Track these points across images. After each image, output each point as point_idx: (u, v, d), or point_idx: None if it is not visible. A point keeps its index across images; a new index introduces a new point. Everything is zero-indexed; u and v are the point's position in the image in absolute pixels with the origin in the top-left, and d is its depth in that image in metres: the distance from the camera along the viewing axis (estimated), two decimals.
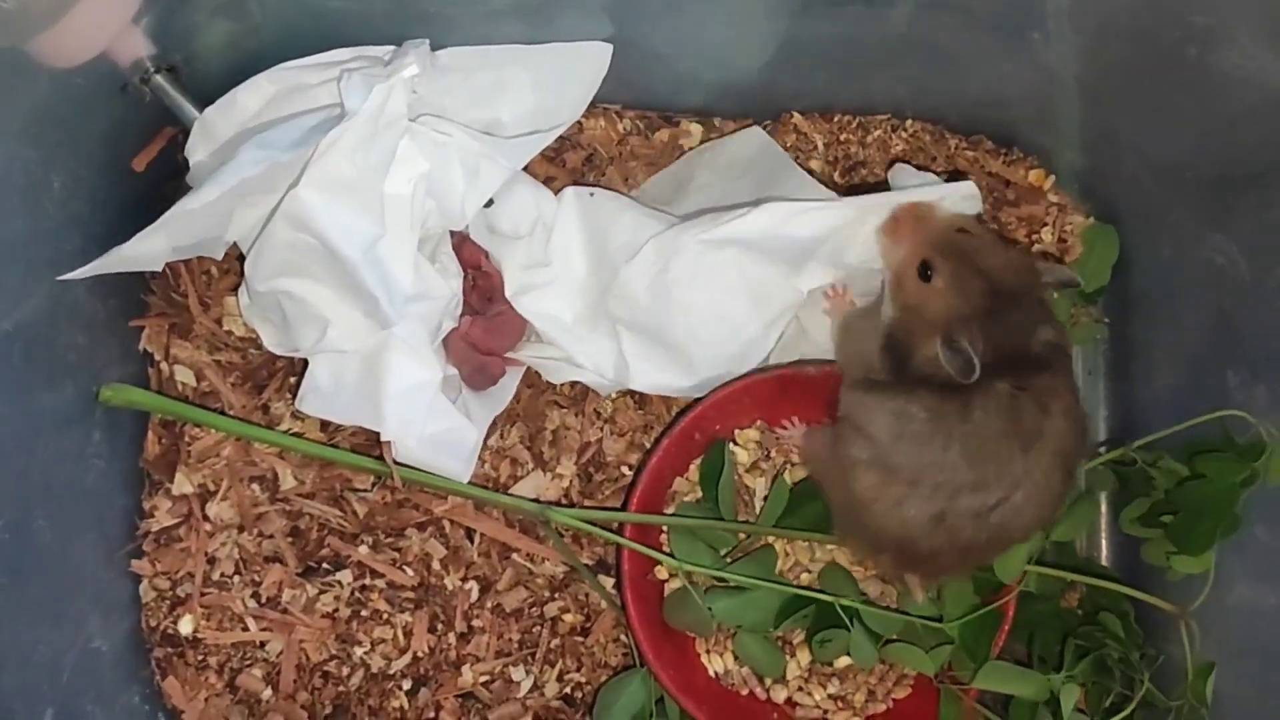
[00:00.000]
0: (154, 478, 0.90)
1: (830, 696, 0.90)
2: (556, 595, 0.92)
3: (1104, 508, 0.99)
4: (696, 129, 0.97)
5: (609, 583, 0.91)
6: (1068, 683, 0.81)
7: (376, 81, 0.76)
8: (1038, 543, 0.83)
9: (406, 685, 0.90)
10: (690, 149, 0.96)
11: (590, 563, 0.92)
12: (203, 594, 0.89)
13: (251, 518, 0.90)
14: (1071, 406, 0.79)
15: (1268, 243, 0.82)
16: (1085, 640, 0.86)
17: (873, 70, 0.92)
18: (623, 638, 0.92)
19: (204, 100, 0.81)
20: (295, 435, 0.90)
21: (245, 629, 0.90)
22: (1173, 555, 0.82)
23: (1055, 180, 0.99)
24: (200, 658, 0.89)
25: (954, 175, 0.97)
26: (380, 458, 0.85)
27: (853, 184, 0.97)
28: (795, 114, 0.97)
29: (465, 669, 0.90)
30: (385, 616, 0.90)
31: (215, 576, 0.90)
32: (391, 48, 0.82)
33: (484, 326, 0.88)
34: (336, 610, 0.90)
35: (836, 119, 0.97)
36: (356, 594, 0.90)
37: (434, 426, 0.84)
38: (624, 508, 0.88)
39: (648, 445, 0.93)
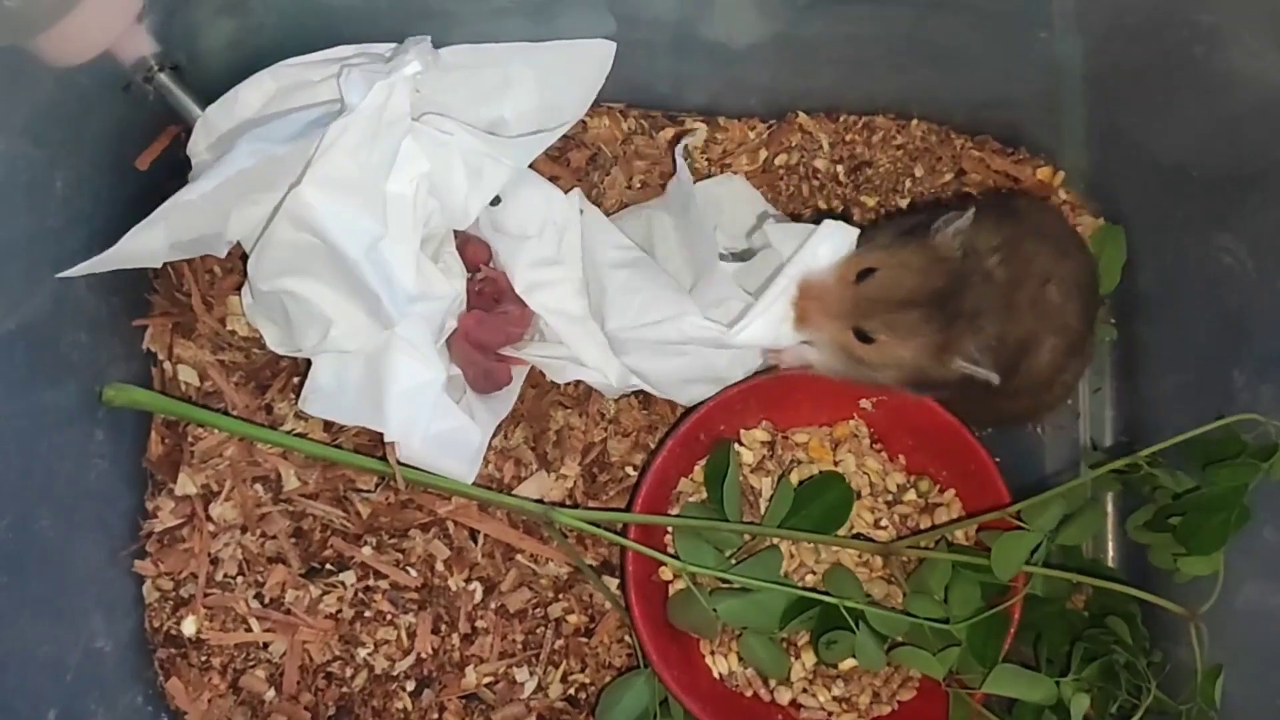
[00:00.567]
0: (157, 478, 0.90)
1: (835, 698, 0.90)
2: (560, 596, 0.92)
3: (1110, 510, 0.99)
4: (701, 128, 0.97)
5: (613, 583, 0.91)
6: (1076, 690, 0.81)
7: (377, 78, 0.76)
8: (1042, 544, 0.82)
9: (410, 686, 0.90)
10: (695, 147, 0.96)
11: (594, 564, 0.92)
12: (206, 595, 0.89)
13: (255, 518, 0.90)
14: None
15: (1275, 242, 0.82)
16: (1092, 643, 0.86)
17: (878, 70, 0.92)
18: (627, 639, 0.92)
19: (207, 98, 0.81)
20: (299, 436, 0.89)
21: (248, 630, 0.89)
22: (1180, 557, 0.82)
23: (1064, 178, 0.99)
24: (203, 658, 0.89)
25: (959, 174, 0.97)
26: (384, 458, 0.85)
27: (857, 183, 0.96)
28: (800, 114, 0.97)
29: (469, 670, 0.90)
30: (389, 617, 0.90)
31: (218, 577, 0.89)
32: (394, 45, 0.82)
33: (479, 319, 0.88)
34: (340, 611, 0.90)
35: (842, 119, 0.97)
36: (360, 595, 0.90)
37: (438, 427, 0.84)
38: (628, 508, 0.88)
39: (652, 446, 0.93)
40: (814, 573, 0.90)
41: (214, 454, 0.90)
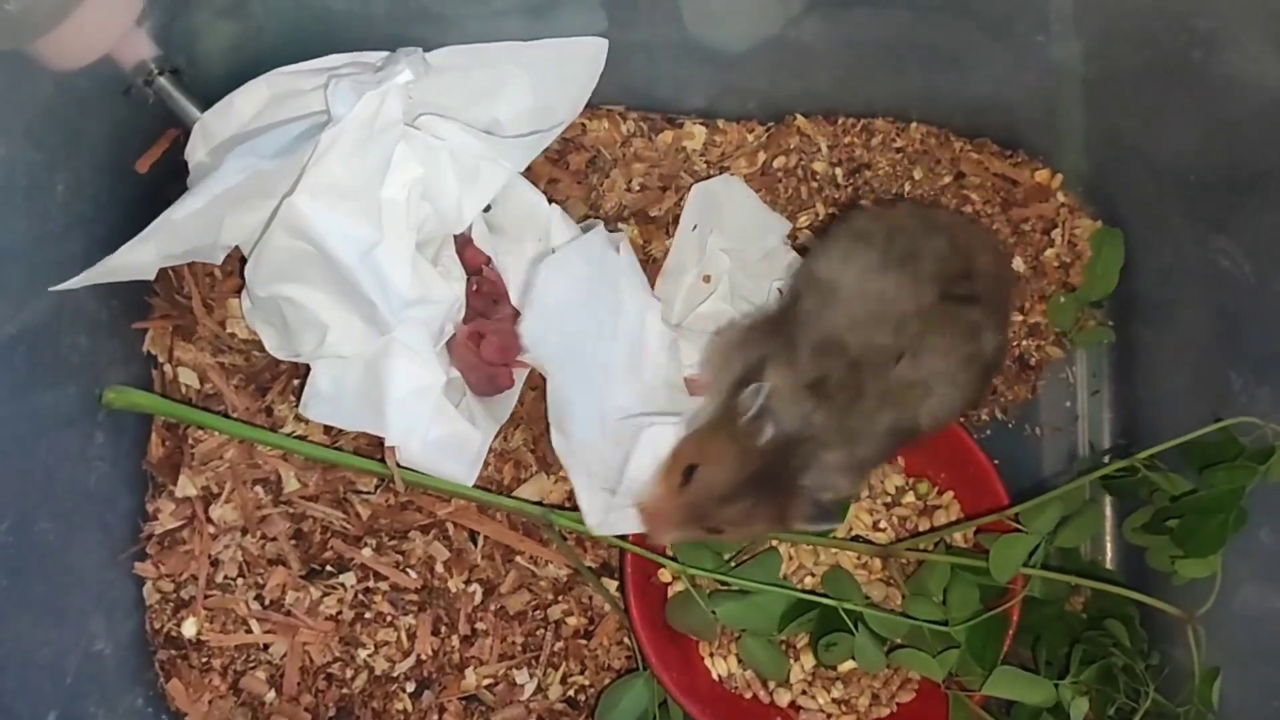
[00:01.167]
0: (157, 480, 0.90)
1: (834, 700, 0.90)
2: (560, 598, 0.92)
3: (1108, 512, 0.99)
4: (700, 131, 0.97)
5: (612, 585, 0.91)
6: (1076, 697, 0.81)
7: (366, 88, 0.76)
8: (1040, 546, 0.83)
9: (410, 688, 0.90)
10: (694, 150, 0.97)
11: (594, 565, 0.92)
12: (206, 596, 0.89)
13: (255, 520, 0.90)
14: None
15: (1271, 245, 0.82)
16: (1091, 646, 0.86)
17: (877, 73, 0.92)
18: (626, 640, 0.92)
19: (207, 102, 0.81)
20: (298, 438, 0.89)
21: (249, 631, 0.90)
22: (1177, 560, 0.82)
23: (1062, 181, 0.99)
24: (204, 660, 0.89)
25: (958, 177, 0.97)
26: (383, 460, 0.85)
27: (856, 186, 0.97)
28: (799, 116, 0.97)
29: (469, 671, 0.90)
30: (389, 619, 0.90)
31: (219, 579, 0.90)
32: (386, 53, 0.82)
33: (497, 345, 0.88)
34: (340, 613, 0.90)
35: (840, 121, 0.97)
36: (360, 596, 0.90)
37: (438, 431, 0.84)
38: None
39: None
40: (813, 575, 0.90)
41: (214, 456, 0.90)
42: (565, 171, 0.95)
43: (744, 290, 0.93)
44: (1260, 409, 0.82)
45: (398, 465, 0.84)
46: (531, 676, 0.91)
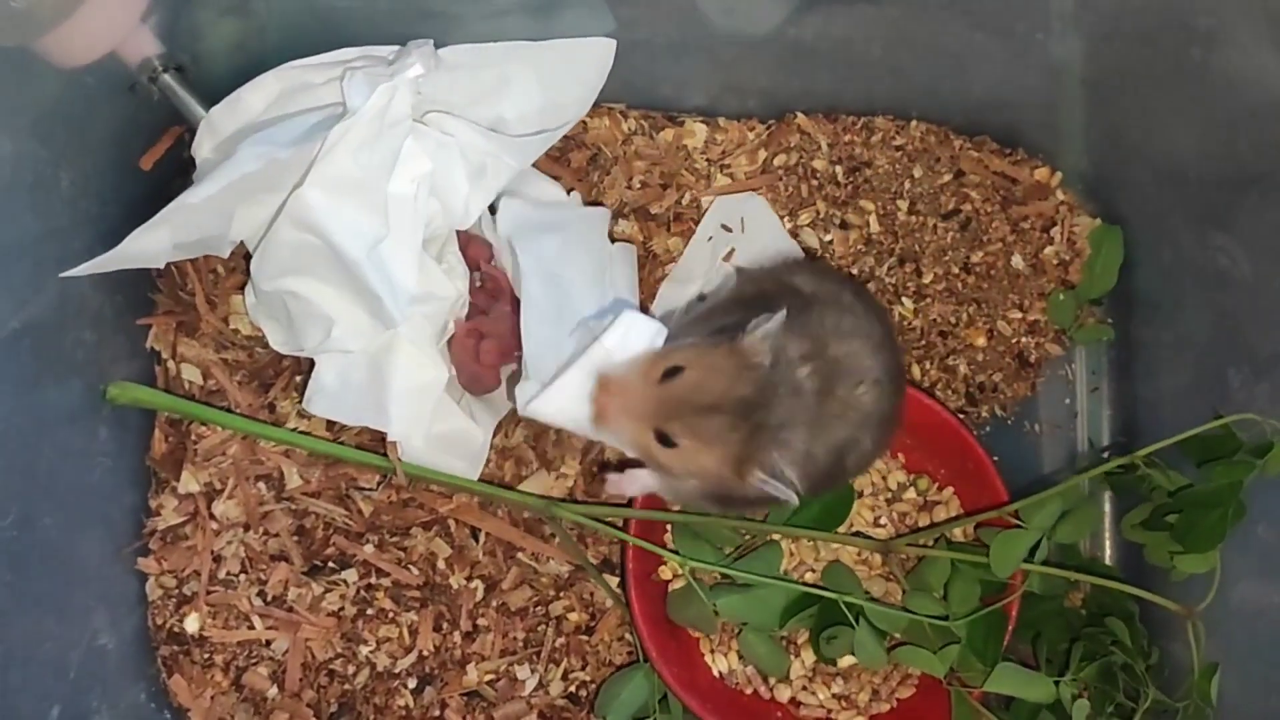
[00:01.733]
0: (160, 476, 0.90)
1: (834, 696, 0.90)
2: (561, 594, 0.92)
3: (1107, 508, 0.99)
4: (701, 129, 0.97)
5: (614, 581, 0.91)
6: (1077, 699, 0.82)
7: (380, 81, 0.77)
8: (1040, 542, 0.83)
9: (412, 684, 0.90)
10: (695, 148, 0.97)
11: (595, 561, 0.92)
12: (209, 592, 0.89)
13: (257, 516, 0.90)
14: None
15: (1270, 243, 0.82)
16: (1091, 642, 0.86)
17: (877, 71, 0.92)
18: (627, 636, 0.92)
19: (211, 99, 0.82)
20: (302, 434, 0.90)
21: (251, 627, 0.90)
22: (1176, 555, 0.82)
23: (1062, 179, 0.99)
24: (206, 656, 0.90)
25: (957, 175, 0.98)
26: (386, 455, 0.85)
27: (856, 184, 0.97)
28: (799, 114, 0.97)
29: (470, 668, 0.91)
30: (390, 615, 0.90)
31: (221, 575, 0.90)
32: (396, 47, 0.82)
33: (495, 349, 0.88)
34: (342, 609, 0.90)
35: (840, 119, 0.98)
36: (362, 593, 0.90)
37: (440, 427, 0.85)
38: (629, 505, 0.88)
39: None
40: (813, 570, 0.90)
41: (217, 452, 0.91)
42: (566, 169, 0.96)
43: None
44: (1259, 406, 0.83)
45: (399, 459, 0.85)
46: (533, 672, 0.91)
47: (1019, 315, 0.98)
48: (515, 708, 0.91)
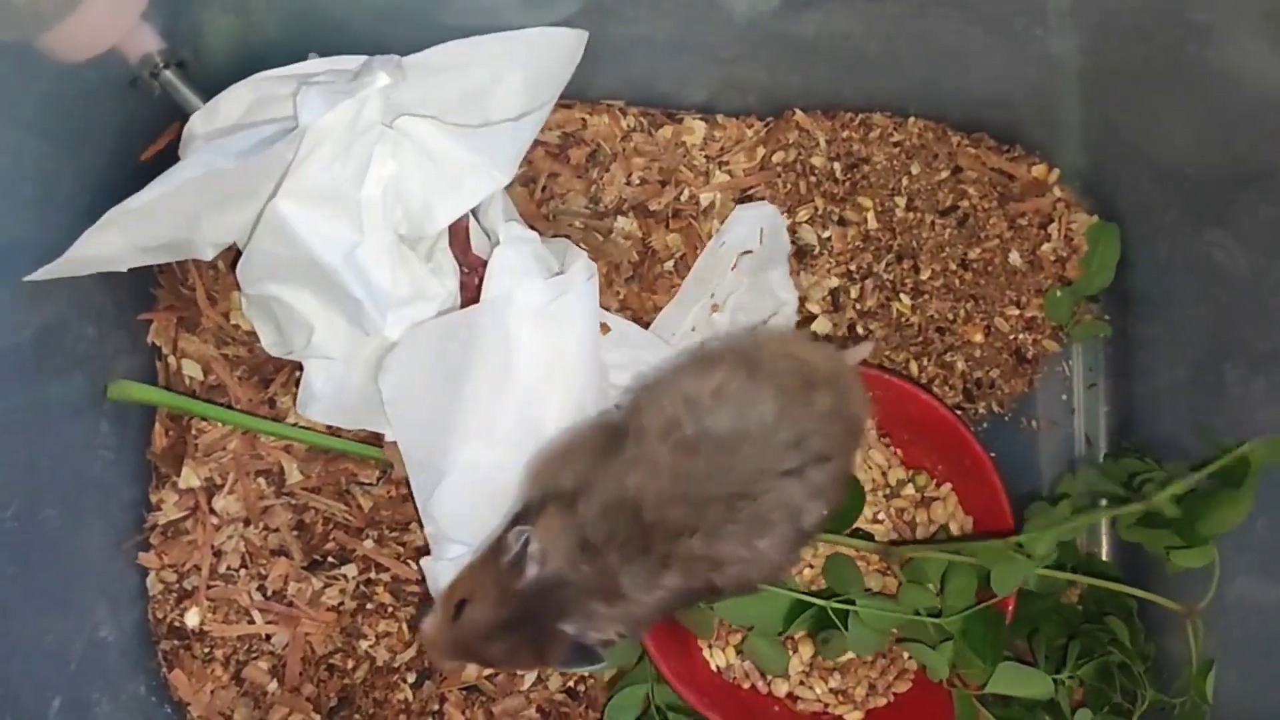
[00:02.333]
0: (161, 470, 0.91)
1: (831, 690, 0.90)
2: None
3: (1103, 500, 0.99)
4: (699, 126, 0.98)
5: None
6: (1079, 709, 0.82)
7: (337, 96, 0.76)
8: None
9: (411, 678, 0.91)
10: (693, 144, 0.97)
11: None
12: (209, 587, 0.90)
13: (257, 511, 0.91)
14: None
15: (1266, 238, 0.83)
16: (1089, 639, 0.86)
17: (875, 67, 0.93)
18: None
19: (212, 94, 0.82)
20: (302, 429, 0.90)
21: (251, 622, 0.90)
22: (1174, 550, 0.82)
23: (1059, 175, 1.00)
24: (206, 650, 0.90)
25: (955, 171, 0.98)
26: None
27: (854, 180, 0.97)
28: (798, 111, 0.97)
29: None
30: (390, 610, 0.91)
31: (221, 569, 0.90)
32: (363, 58, 0.81)
33: None
34: (342, 603, 0.90)
35: (839, 116, 0.98)
36: (361, 587, 0.91)
37: None
38: None
39: None
40: (811, 566, 0.90)
41: (217, 447, 0.91)
42: (566, 165, 0.96)
43: (746, 310, 0.94)
44: (1255, 400, 0.83)
45: (399, 457, 0.85)
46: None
47: (1016, 312, 0.99)
48: (514, 702, 0.91)
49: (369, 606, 0.91)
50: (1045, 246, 0.99)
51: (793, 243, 0.96)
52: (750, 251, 0.93)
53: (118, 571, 0.88)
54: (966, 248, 0.98)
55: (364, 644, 0.90)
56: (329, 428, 0.90)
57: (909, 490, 0.93)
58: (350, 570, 0.91)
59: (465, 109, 0.84)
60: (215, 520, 0.90)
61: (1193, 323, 0.92)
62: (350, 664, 0.91)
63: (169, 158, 0.84)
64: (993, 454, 0.90)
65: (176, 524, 0.90)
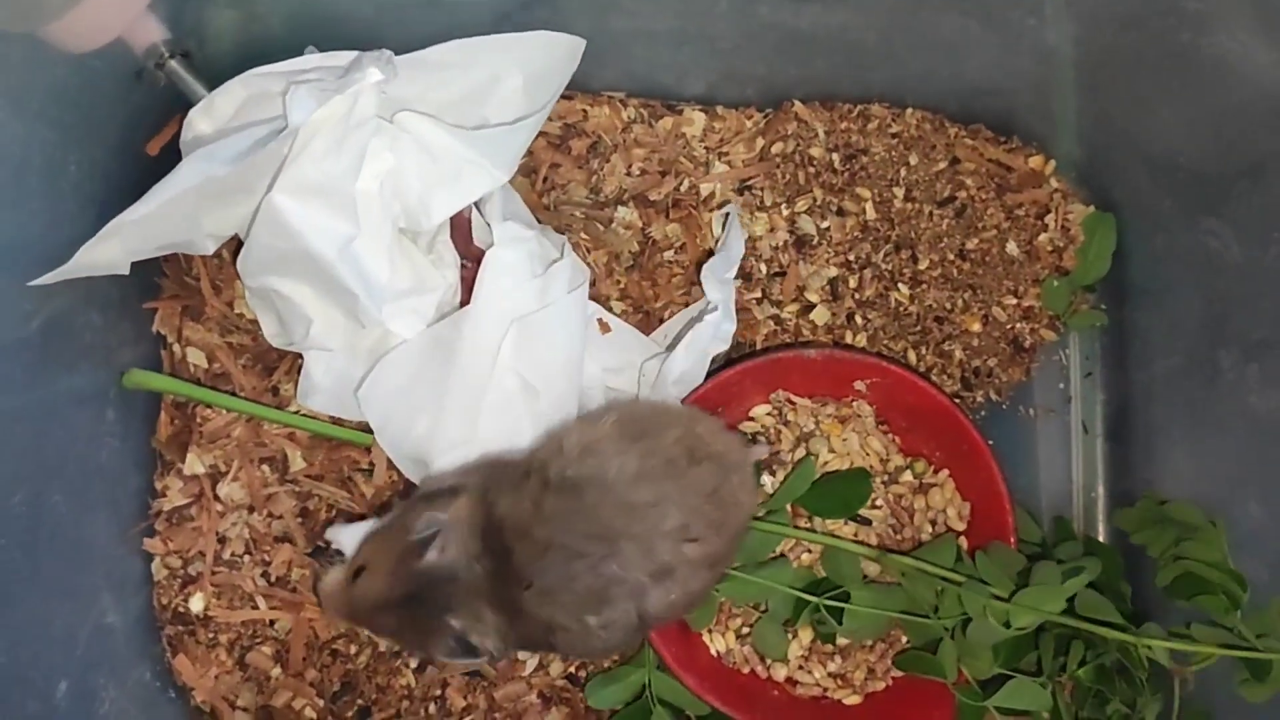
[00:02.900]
0: (166, 458, 0.91)
1: (830, 674, 0.91)
2: None
3: (1101, 493, 1.01)
4: (699, 117, 0.98)
5: None
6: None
7: (327, 94, 0.76)
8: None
9: (413, 663, 0.91)
10: (693, 135, 0.98)
11: None
12: (213, 573, 0.91)
13: (261, 498, 0.91)
14: None
15: (1260, 227, 0.83)
16: (1088, 644, 0.86)
17: (873, 58, 0.93)
18: None
19: (217, 85, 0.82)
20: (305, 416, 0.91)
21: (255, 607, 0.91)
22: (1244, 683, 0.80)
23: (1055, 166, 1.01)
24: (211, 635, 0.91)
25: (953, 162, 0.99)
26: None
27: (852, 171, 0.98)
28: (797, 102, 0.98)
29: None
30: None
31: (226, 556, 0.91)
32: (355, 53, 0.82)
33: None
34: None
35: (837, 107, 0.99)
36: None
37: None
38: None
39: None
40: (810, 551, 0.91)
41: (222, 435, 0.92)
42: (567, 156, 0.97)
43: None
44: (1249, 387, 0.84)
45: None
46: (534, 653, 0.92)
47: (1014, 301, 0.99)
48: (515, 688, 0.92)
49: None
50: (1042, 236, 1.00)
51: (791, 233, 0.97)
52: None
53: (123, 558, 0.88)
54: (964, 238, 0.99)
55: (367, 630, 0.91)
56: (332, 416, 0.91)
57: (907, 477, 0.93)
58: None
59: (463, 109, 0.85)
60: (219, 507, 0.91)
61: (1188, 311, 0.92)
62: (353, 649, 0.91)
63: (174, 149, 0.85)
64: (990, 441, 0.91)
65: (181, 510, 0.91)
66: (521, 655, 0.92)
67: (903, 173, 0.98)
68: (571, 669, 0.93)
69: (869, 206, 0.98)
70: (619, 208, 0.96)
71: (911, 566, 0.86)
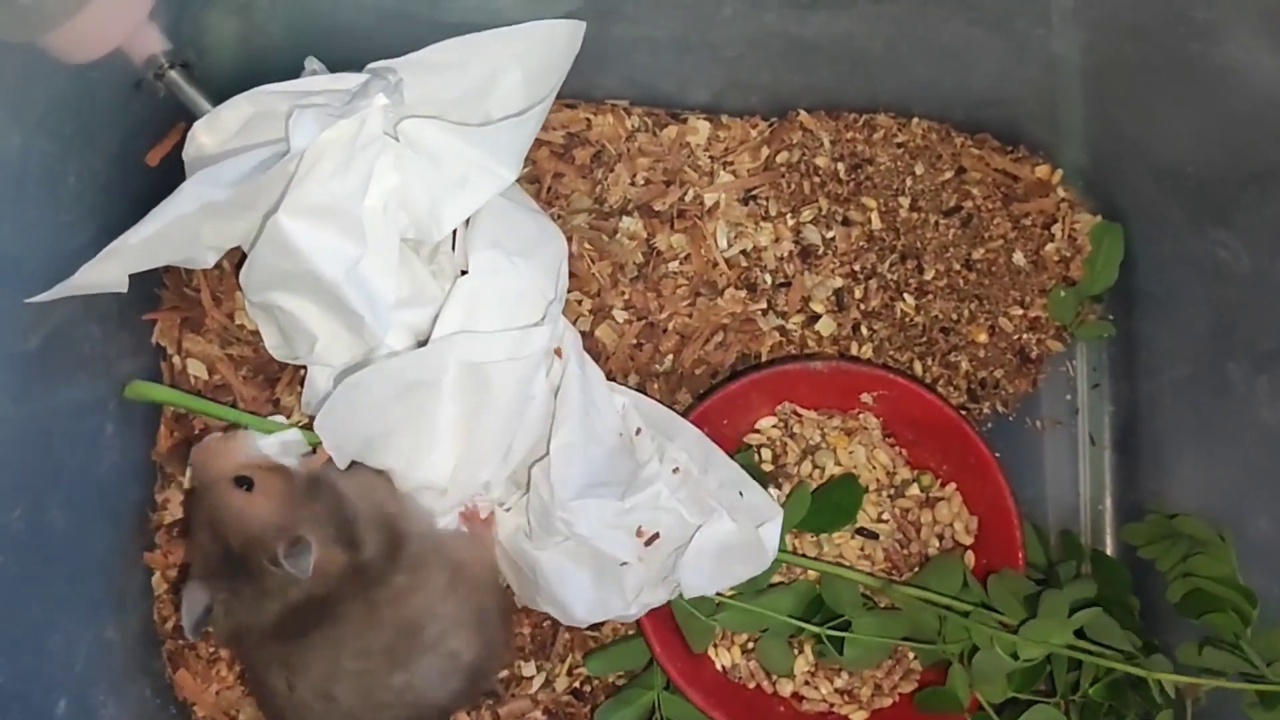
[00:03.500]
0: (166, 470, 0.91)
1: (837, 690, 0.90)
2: None
3: (1109, 505, 1.00)
4: (704, 126, 0.98)
5: None
6: None
7: (331, 118, 0.76)
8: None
9: None
10: (698, 144, 0.98)
11: None
12: None
13: None
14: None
15: (1269, 237, 0.83)
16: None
17: (879, 67, 0.93)
18: (633, 631, 0.92)
19: (217, 95, 0.82)
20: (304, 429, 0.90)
21: None
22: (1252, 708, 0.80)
23: (1062, 175, 1.00)
24: (211, 651, 0.90)
25: (959, 172, 0.98)
26: None
27: (858, 181, 0.97)
28: (802, 111, 0.98)
29: None
30: None
31: None
32: (365, 77, 0.81)
33: None
34: None
35: (843, 117, 0.98)
36: None
37: None
38: None
39: None
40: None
41: None
42: (570, 166, 0.96)
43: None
44: (1259, 399, 0.83)
45: None
46: (540, 670, 0.92)
47: (1020, 312, 0.99)
48: (520, 705, 0.92)
49: None
50: (1049, 246, 0.99)
51: (796, 243, 0.97)
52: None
53: (123, 572, 0.88)
54: (970, 248, 0.98)
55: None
56: None
57: (914, 490, 0.93)
58: None
59: (465, 107, 0.84)
60: None
61: (1196, 322, 0.92)
62: None
63: (174, 159, 0.85)
64: (997, 454, 0.90)
65: (181, 524, 0.90)
66: (527, 673, 0.91)
67: (908, 182, 0.98)
68: (576, 685, 0.92)
69: (874, 216, 0.97)
70: (623, 218, 0.96)
71: (914, 597, 0.85)
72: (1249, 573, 0.83)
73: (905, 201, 0.98)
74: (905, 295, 0.97)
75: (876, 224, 0.97)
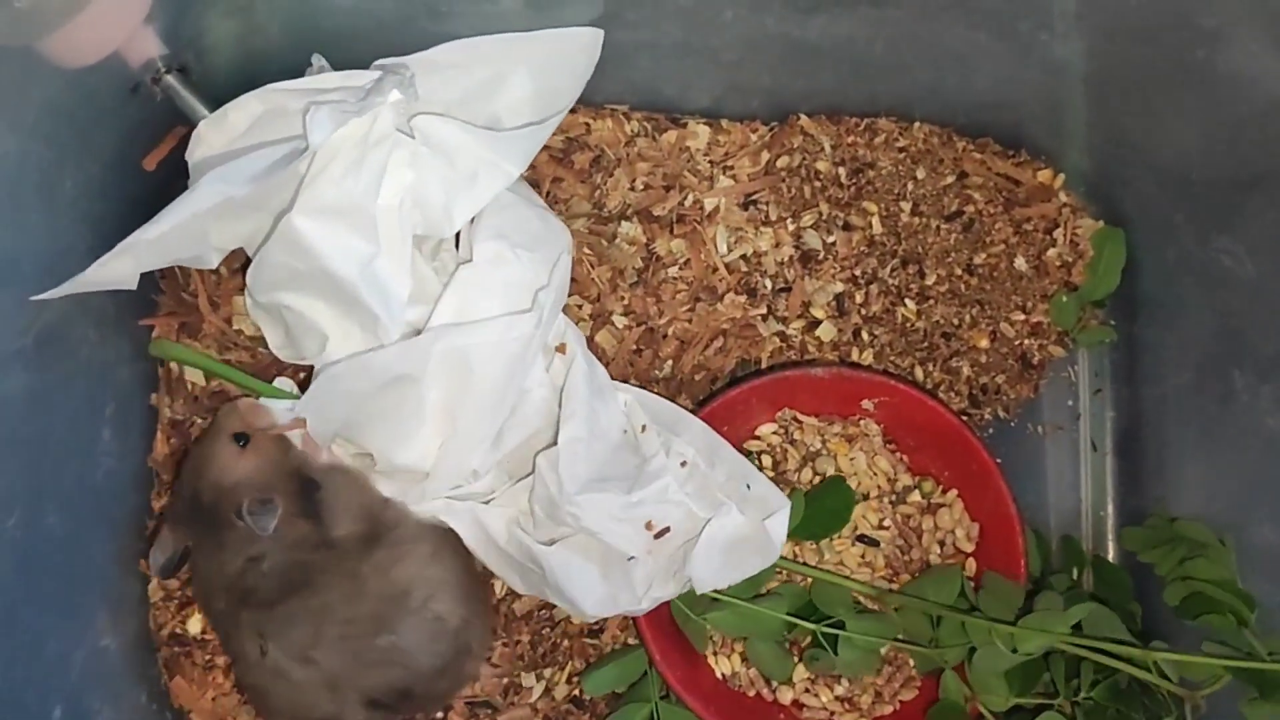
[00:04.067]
0: (163, 477, 0.90)
1: (837, 698, 0.90)
2: None
3: (1111, 512, 1.00)
4: (704, 130, 0.97)
5: None
6: None
7: (347, 115, 0.75)
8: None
9: None
10: (698, 149, 0.97)
11: None
12: None
13: None
14: None
15: (1273, 243, 0.83)
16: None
17: (880, 71, 0.92)
18: (632, 639, 0.92)
19: (214, 100, 0.81)
20: None
21: None
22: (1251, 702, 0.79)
23: (1064, 180, 0.99)
24: (207, 657, 0.89)
25: (960, 176, 0.98)
26: None
27: (859, 185, 0.97)
28: (803, 116, 0.97)
29: None
30: None
31: None
32: (377, 74, 0.81)
33: None
34: None
35: (844, 121, 0.98)
36: None
37: None
38: None
39: None
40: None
41: None
42: (570, 170, 0.96)
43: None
44: (1263, 406, 0.83)
45: None
46: (539, 679, 0.91)
47: (1022, 317, 0.98)
48: (520, 713, 0.91)
49: None
50: (1051, 251, 0.99)
51: (797, 248, 0.96)
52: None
53: (119, 579, 0.87)
54: (972, 253, 0.98)
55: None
56: None
57: (915, 497, 0.92)
58: None
59: (470, 107, 0.84)
60: None
61: (1199, 328, 0.91)
62: None
63: (171, 164, 0.84)
64: (999, 460, 0.90)
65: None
66: (526, 682, 0.91)
67: (910, 187, 0.97)
68: (575, 692, 0.92)
69: (876, 221, 0.97)
70: (622, 223, 0.95)
71: (904, 604, 0.85)
72: (1252, 580, 0.83)
73: (906, 206, 0.97)
74: (906, 300, 0.97)
75: (877, 229, 0.97)
